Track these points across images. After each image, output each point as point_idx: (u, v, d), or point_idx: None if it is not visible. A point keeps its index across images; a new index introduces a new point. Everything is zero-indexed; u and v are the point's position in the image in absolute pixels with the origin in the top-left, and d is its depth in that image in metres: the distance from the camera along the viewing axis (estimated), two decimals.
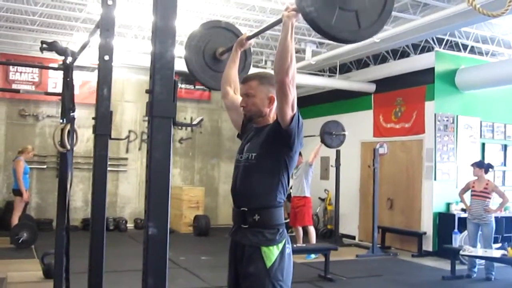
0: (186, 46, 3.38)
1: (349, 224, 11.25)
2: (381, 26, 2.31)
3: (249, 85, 2.76)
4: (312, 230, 8.85)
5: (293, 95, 2.50)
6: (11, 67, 10.89)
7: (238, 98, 2.98)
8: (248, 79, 2.80)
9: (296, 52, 11.14)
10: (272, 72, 2.77)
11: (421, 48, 10.06)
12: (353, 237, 11.19)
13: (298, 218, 8.78)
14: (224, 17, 8.40)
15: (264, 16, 8.28)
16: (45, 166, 11.18)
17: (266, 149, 2.65)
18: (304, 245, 8.11)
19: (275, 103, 2.69)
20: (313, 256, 8.50)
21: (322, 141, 9.01)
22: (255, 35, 3.10)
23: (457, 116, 9.70)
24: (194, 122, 3.13)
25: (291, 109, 2.51)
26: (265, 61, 11.52)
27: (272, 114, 2.76)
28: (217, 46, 3.43)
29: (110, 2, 2.71)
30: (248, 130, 2.91)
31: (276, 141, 2.63)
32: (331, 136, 9.12)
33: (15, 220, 8.77)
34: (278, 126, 2.58)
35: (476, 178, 7.76)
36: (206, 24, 3.54)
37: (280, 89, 2.49)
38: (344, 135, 9.22)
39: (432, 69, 9.56)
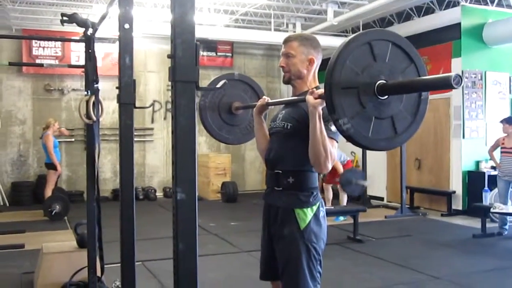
0: (200, 102, 3.34)
1: (377, 185, 11.22)
2: (416, 127, 2.19)
3: (289, 45, 2.72)
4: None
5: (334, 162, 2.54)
6: (34, 42, 10.97)
7: None
8: (289, 40, 2.75)
9: (318, 13, 10.98)
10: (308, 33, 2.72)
11: (447, 3, 9.78)
12: (382, 198, 11.17)
13: (338, 174, 8.51)
14: None
15: None
16: (73, 139, 11.34)
17: (302, 122, 2.58)
18: (332, 207, 8.12)
19: (315, 64, 2.72)
20: (341, 218, 8.52)
21: (344, 190, 8.61)
22: (275, 103, 3.02)
23: (485, 72, 9.47)
24: (218, 86, 3.12)
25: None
26: (287, 24, 11.36)
27: (310, 77, 2.73)
28: (232, 100, 3.40)
29: None
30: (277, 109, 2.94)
31: None
32: (351, 186, 8.50)
33: (48, 192, 8.96)
34: None
35: (505, 134, 7.61)
36: (219, 79, 3.50)
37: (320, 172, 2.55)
38: (363, 186, 8.57)
39: (459, 24, 9.29)
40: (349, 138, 2.06)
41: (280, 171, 2.66)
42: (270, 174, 2.75)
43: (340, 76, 2.00)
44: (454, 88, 1.79)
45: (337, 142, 2.53)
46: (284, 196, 2.64)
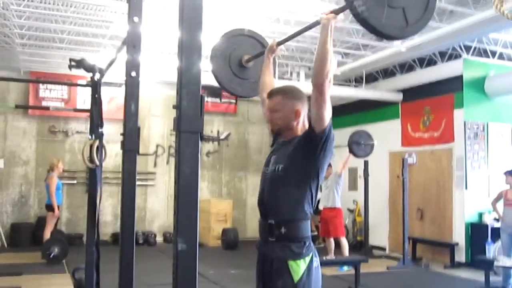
0: (212, 57, 3.43)
1: (379, 235, 11.11)
2: (425, 23, 2.41)
3: (273, 100, 2.77)
4: (344, 241, 8.73)
5: (329, 99, 2.50)
6: (41, 84, 11.11)
7: None
8: (272, 94, 2.81)
9: None
10: (297, 85, 2.78)
11: (449, 55, 9.93)
12: (383, 249, 11.03)
13: (331, 230, 8.65)
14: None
15: (289, 28, 8.24)
16: (75, 182, 11.34)
17: (294, 160, 2.61)
18: (334, 257, 8.02)
19: (302, 115, 2.72)
20: (345, 268, 8.39)
21: (351, 151, 8.96)
22: (286, 40, 3.21)
23: (487, 124, 9.53)
24: (222, 137, 3.15)
25: (328, 114, 2.51)
26: (291, 73, 11.50)
27: (299, 127, 2.74)
28: (242, 53, 3.51)
29: (136, 19, 2.74)
30: (276, 143, 2.91)
31: (306, 151, 2.58)
32: (360, 146, 9.15)
33: (47, 235, 8.89)
34: (310, 133, 2.55)
35: (508, 186, 7.59)
36: (229, 33, 3.59)
37: (319, 92, 2.46)
38: (372, 144, 9.17)
39: (461, 76, 9.41)
40: (364, 21, 2.22)
41: (273, 222, 2.64)
42: (263, 224, 2.72)
43: None
44: None
45: None
46: (277, 248, 2.61)
